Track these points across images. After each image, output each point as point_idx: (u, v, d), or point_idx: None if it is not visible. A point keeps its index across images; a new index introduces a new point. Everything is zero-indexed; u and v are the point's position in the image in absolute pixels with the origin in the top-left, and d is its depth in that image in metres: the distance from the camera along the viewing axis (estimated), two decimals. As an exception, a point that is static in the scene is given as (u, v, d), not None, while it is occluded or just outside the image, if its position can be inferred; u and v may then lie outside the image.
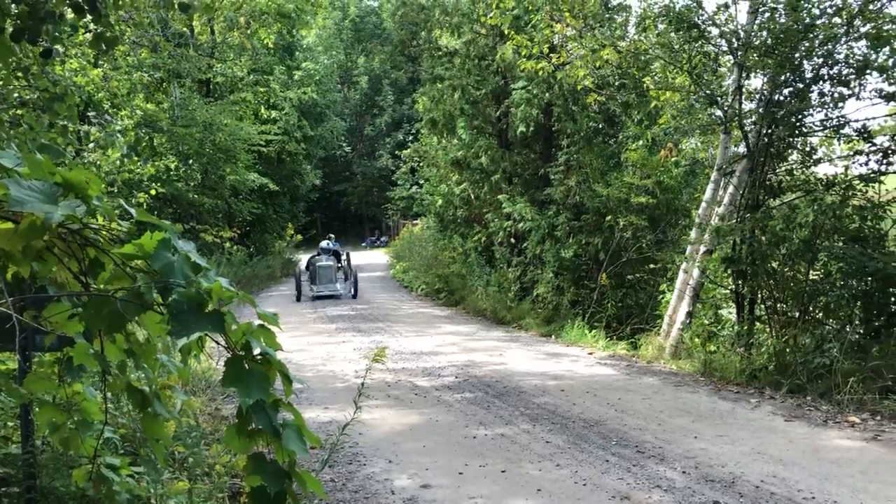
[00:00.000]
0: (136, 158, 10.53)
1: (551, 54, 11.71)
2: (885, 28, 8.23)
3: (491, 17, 12.60)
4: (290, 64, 30.53)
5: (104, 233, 2.35)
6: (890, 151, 8.30)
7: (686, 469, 4.93)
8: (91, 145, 9.35)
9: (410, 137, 31.69)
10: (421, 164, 22.75)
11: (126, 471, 2.98)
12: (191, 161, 19.18)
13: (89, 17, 4.42)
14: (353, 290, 17.89)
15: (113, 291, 2.26)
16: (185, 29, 20.07)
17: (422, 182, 23.71)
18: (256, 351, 2.28)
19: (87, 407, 2.79)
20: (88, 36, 4.59)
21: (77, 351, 2.50)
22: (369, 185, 45.73)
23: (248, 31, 21.76)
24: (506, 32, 12.66)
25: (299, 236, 26.64)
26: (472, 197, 17.08)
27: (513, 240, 15.13)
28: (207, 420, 5.66)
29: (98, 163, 9.75)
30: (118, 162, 10.09)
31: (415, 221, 29.34)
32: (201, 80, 21.48)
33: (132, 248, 2.26)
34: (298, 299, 17.27)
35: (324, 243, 19.25)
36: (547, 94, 13.73)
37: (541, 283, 13.49)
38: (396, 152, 36.23)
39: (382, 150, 44.62)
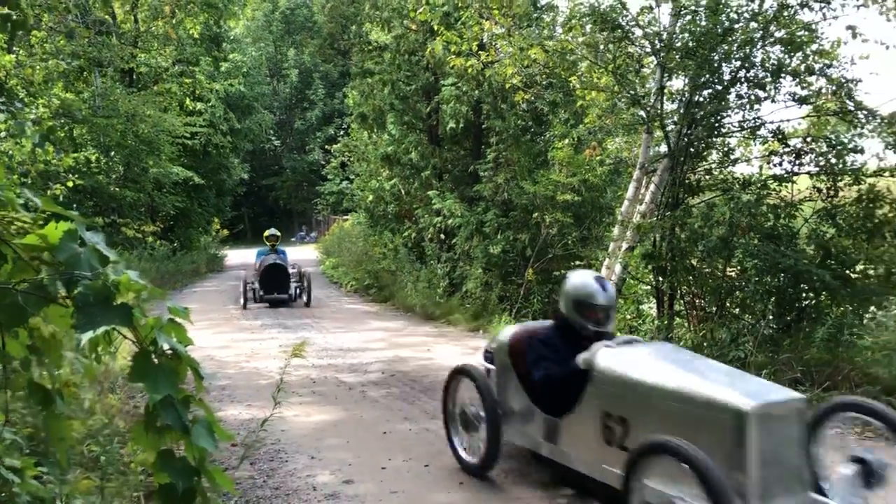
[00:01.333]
0: (49, 148, 10.15)
1: (480, 52, 11.78)
2: (798, 34, 8.57)
3: (420, 13, 12.61)
4: (216, 55, 29.92)
5: (12, 224, 2.27)
6: (802, 153, 8.64)
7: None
8: (3, 134, 8.98)
9: (341, 132, 31.59)
10: (351, 159, 22.63)
11: (32, 471, 2.88)
12: (112, 153, 18.62)
13: (-4, -1, 4.24)
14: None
15: (14, 284, 2.18)
16: (106, 16, 19.48)
17: (352, 177, 23.58)
18: (166, 346, 2.23)
19: (-11, 406, 2.69)
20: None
21: (-24, 347, 2.40)
22: (299, 180, 45.25)
23: (174, 21, 21.24)
24: (435, 29, 12.69)
25: (225, 231, 26.15)
26: (403, 193, 17.07)
27: (442, 236, 15.19)
28: (125, 418, 5.50)
29: (10, 152, 9.36)
30: (32, 152, 9.71)
31: (345, 217, 29.16)
32: (124, 70, 20.86)
33: (35, 239, 2.19)
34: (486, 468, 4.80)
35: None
36: (476, 92, 13.81)
37: (470, 278, 13.58)
38: (327, 147, 35.92)
39: (313, 145, 44.22)
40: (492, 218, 13.51)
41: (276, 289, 14.53)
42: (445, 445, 5.42)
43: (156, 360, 2.24)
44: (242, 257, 27.70)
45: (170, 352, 2.27)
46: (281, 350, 9.55)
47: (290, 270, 14.87)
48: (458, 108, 14.22)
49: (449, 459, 5.10)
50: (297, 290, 14.84)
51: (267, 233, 15.71)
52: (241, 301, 14.25)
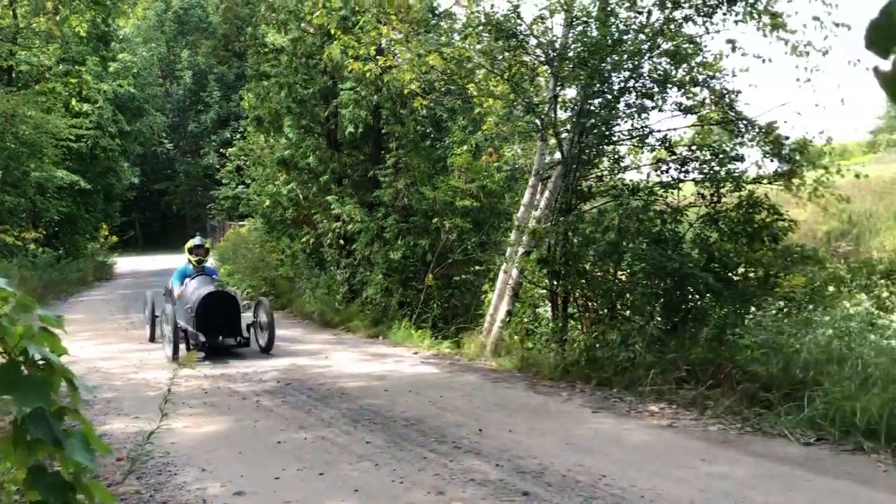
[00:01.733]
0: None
1: (378, 57, 11.76)
2: (683, 46, 8.96)
3: (317, 17, 12.46)
4: (104, 54, 28.72)
5: None
6: (688, 160, 9.03)
7: (500, 462, 5.11)
8: None
9: (238, 135, 30.82)
10: (247, 163, 22.14)
11: None
12: (-11, 155, 17.60)
13: None
14: None
15: None
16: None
17: (248, 182, 23.05)
18: (37, 356, 2.12)
19: None
20: None
21: None
22: (193, 185, 43.98)
23: (58, 18, 20.24)
24: (333, 32, 12.57)
25: (115, 237, 25.09)
26: (301, 197, 16.81)
27: (342, 241, 15.04)
28: (-1, 435, 5.20)
29: None
30: None
31: (241, 222, 28.49)
32: (1, 68, 19.75)
33: None
34: None
35: None
36: (375, 97, 13.77)
37: (370, 284, 13.51)
38: (222, 150, 35.02)
39: (208, 148, 43.03)
40: (392, 223, 13.48)
41: (221, 330, 9.67)
42: (342, 452, 5.37)
43: (25, 371, 2.13)
44: (133, 265, 26.71)
45: (41, 362, 2.16)
46: (172, 360, 9.25)
47: (243, 303, 10.55)
48: (357, 113, 14.14)
49: (345, 466, 5.05)
50: (251, 331, 10.17)
51: (191, 243, 10.86)
52: (166, 349, 9.43)
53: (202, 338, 9.46)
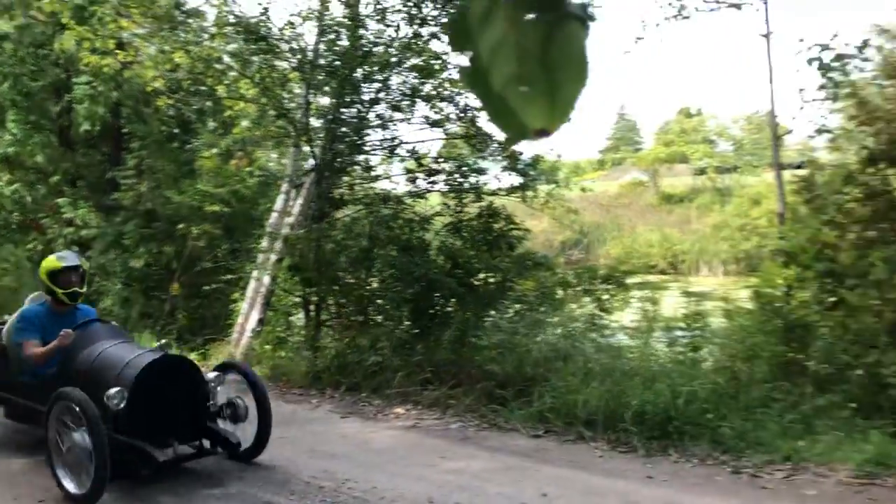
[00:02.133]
0: None
1: (119, 51, 11.00)
2: (431, 62, 9.33)
3: (48, 3, 11.41)
4: None
5: None
6: (434, 172, 9.41)
7: (243, 475, 4.97)
8: None
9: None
10: (-37, 161, 19.69)
11: None
12: None
13: None
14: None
15: None
16: None
17: (-36, 181, 20.51)
18: None
19: None
20: None
21: None
22: None
23: None
24: (66, 22, 11.56)
25: None
26: (27, 200, 15.25)
27: (75, 248, 13.85)
28: None
29: None
30: None
31: (-45, 227, 25.28)
32: None
33: None
34: None
35: None
36: (115, 93, 12.86)
37: (107, 295, 12.58)
38: (-68, 145, 30.84)
39: (-86, 143, 37.67)
40: (132, 229, 12.67)
41: (172, 430, 4.93)
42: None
43: None
44: None
45: None
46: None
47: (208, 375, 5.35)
48: (94, 110, 13.10)
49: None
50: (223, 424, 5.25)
51: (54, 262, 5.56)
52: (66, 482, 4.56)
53: (156, 453, 4.67)
